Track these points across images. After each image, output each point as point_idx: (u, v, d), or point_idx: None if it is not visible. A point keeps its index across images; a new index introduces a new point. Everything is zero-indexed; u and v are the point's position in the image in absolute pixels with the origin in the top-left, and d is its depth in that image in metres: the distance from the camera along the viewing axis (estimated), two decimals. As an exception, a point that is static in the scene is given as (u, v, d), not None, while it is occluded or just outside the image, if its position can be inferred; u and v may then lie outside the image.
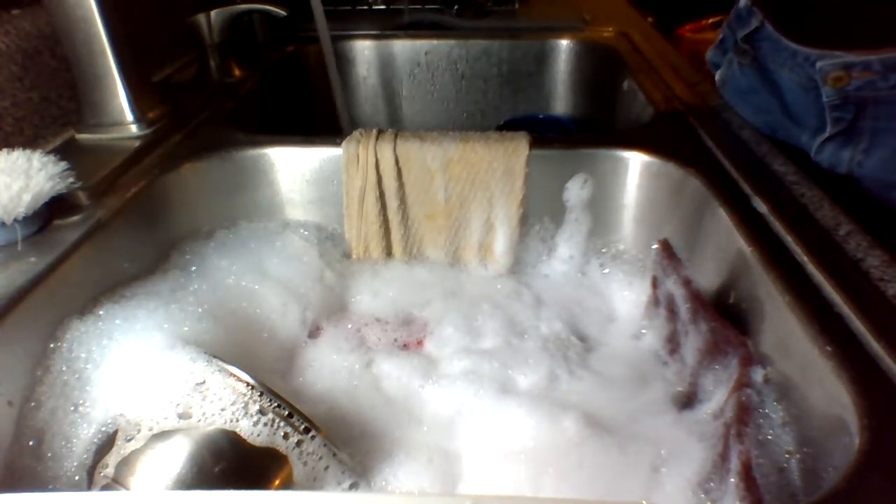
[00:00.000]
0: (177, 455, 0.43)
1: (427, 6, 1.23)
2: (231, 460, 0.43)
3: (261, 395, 0.44)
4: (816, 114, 0.69)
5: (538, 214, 0.72)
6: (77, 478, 0.46)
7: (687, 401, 0.54)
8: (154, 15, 0.91)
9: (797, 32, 0.69)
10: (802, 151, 0.72)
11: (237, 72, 0.94)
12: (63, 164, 0.57)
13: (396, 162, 0.68)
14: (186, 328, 0.53)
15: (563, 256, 0.72)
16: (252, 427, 0.44)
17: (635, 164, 0.69)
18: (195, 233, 0.69)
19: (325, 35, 0.68)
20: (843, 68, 0.64)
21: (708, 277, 0.59)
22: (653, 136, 0.72)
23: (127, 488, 0.43)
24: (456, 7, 1.20)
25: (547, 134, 0.74)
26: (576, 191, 0.70)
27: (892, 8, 0.62)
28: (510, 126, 1.05)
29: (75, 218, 0.58)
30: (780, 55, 0.71)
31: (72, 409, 0.48)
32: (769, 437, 0.43)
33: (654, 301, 0.62)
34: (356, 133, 0.70)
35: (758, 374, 0.45)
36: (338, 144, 0.70)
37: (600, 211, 0.71)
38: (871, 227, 0.52)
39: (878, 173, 0.67)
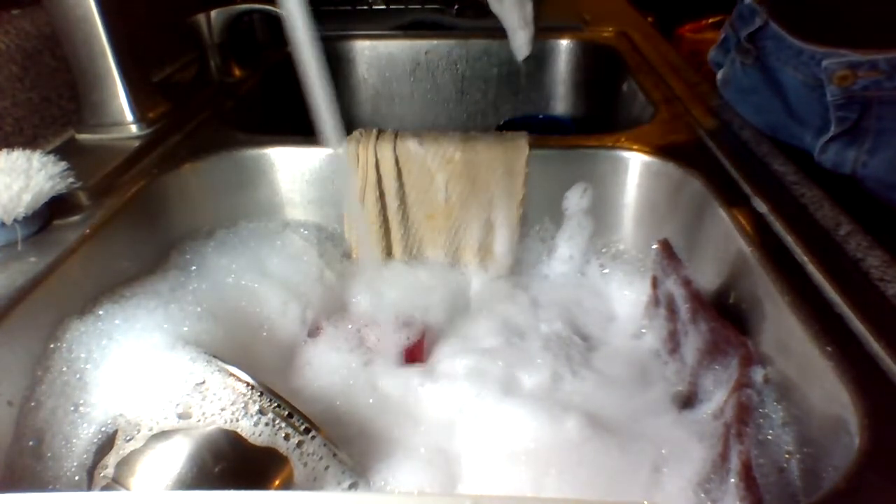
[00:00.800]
0: (177, 455, 0.43)
1: (427, 6, 1.23)
2: (231, 460, 0.43)
3: (261, 395, 0.44)
4: (820, 113, 0.69)
5: (538, 215, 0.72)
6: (77, 478, 0.46)
7: (687, 401, 0.54)
8: (154, 15, 0.91)
9: (802, 30, 0.69)
10: (803, 151, 0.71)
11: (237, 72, 0.94)
12: (63, 164, 0.57)
13: (396, 162, 0.68)
14: (186, 328, 0.53)
15: (563, 257, 0.72)
16: (252, 427, 0.43)
17: (635, 164, 0.69)
18: (195, 233, 0.69)
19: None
20: (848, 67, 0.64)
21: (708, 277, 0.59)
22: (653, 136, 0.72)
23: (127, 488, 0.43)
24: (456, 7, 1.20)
25: (547, 134, 0.74)
26: (575, 199, 0.70)
27: None
28: (510, 126, 1.05)
29: (75, 218, 0.58)
30: (784, 53, 0.71)
31: (72, 409, 0.48)
32: (769, 437, 0.43)
33: (654, 301, 0.62)
34: (356, 133, 0.70)
35: (758, 374, 0.45)
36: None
37: (600, 211, 0.71)
38: (871, 228, 0.52)
39: (882, 174, 0.67)
